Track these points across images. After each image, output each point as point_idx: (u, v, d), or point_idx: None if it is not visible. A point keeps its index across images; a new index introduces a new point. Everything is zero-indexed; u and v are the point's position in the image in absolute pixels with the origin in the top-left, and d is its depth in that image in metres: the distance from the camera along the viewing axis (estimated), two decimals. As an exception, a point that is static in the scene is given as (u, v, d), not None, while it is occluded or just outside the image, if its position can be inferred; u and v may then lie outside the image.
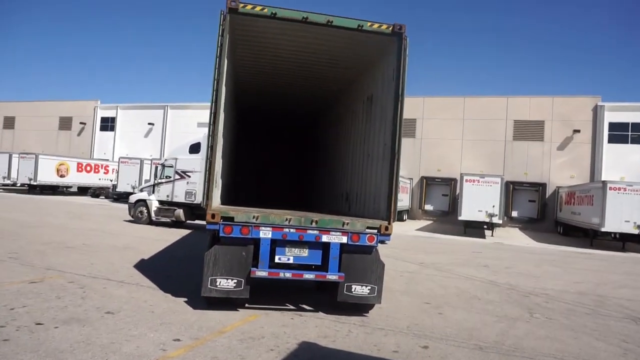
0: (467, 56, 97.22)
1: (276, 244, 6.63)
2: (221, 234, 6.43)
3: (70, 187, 38.94)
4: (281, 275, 6.56)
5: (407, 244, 19.53)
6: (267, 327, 6.16)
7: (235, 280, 6.45)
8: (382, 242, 7.03)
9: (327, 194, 11.85)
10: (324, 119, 13.26)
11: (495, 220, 25.39)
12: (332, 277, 6.66)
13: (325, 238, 6.66)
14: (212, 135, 6.52)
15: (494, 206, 25.29)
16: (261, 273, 6.50)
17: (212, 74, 6.62)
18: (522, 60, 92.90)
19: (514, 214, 35.94)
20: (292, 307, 7.35)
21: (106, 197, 36.66)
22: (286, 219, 6.60)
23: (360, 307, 7.16)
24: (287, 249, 6.65)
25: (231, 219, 6.49)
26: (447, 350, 5.77)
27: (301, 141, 15.59)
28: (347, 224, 6.76)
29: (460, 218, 25.92)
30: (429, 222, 35.39)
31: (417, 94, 38.27)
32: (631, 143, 34.05)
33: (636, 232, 22.57)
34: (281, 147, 15.88)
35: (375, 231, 6.84)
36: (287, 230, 6.57)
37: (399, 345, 5.82)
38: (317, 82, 10.41)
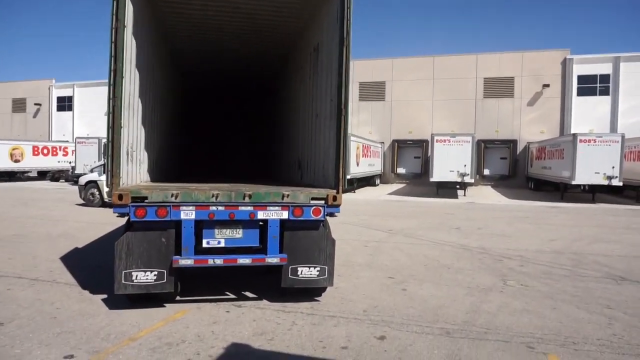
0: (435, 13, 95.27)
1: (203, 225, 5.49)
2: (133, 218, 5.25)
3: (29, 172, 36.75)
4: (210, 262, 5.45)
5: (377, 209, 18.67)
6: (193, 326, 5.08)
7: (156, 273, 5.32)
8: (331, 214, 5.96)
9: (284, 163, 10.69)
10: (275, 80, 11.95)
11: (467, 179, 24.71)
12: (272, 259, 5.59)
13: (261, 215, 5.54)
14: (112, 97, 5.25)
15: (465, 165, 24.56)
16: (186, 262, 5.38)
17: (110, 21, 5.29)
18: (491, 15, 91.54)
19: (486, 172, 35.52)
20: (232, 295, 6.29)
21: (66, 180, 34.72)
22: (213, 195, 5.44)
23: (311, 290, 6.14)
24: (216, 230, 5.51)
25: (144, 198, 5.31)
26: (407, 340, 4.80)
27: (257, 107, 14.24)
28: (287, 196, 5.64)
29: (432, 179, 25.16)
30: (401, 186, 34.72)
31: (386, 56, 36.96)
32: (599, 95, 33.61)
33: (605, 182, 22.22)
34: (237, 115, 14.50)
35: (322, 202, 5.75)
36: (214, 208, 5.42)
37: (350, 338, 4.82)
38: (263, 37, 9.08)
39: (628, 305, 6.20)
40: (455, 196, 25.18)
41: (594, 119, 32.99)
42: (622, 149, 22.17)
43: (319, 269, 5.77)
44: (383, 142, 36.69)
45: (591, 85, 33.72)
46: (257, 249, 5.70)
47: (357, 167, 28.14)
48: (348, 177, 25.95)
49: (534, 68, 34.21)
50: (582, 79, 33.80)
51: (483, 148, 34.76)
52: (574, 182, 22.68)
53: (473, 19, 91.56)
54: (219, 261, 5.47)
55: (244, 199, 5.52)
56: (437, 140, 25.01)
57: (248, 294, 6.39)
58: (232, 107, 14.06)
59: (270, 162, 12.74)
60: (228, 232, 5.55)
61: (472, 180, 25.30)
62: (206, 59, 10.42)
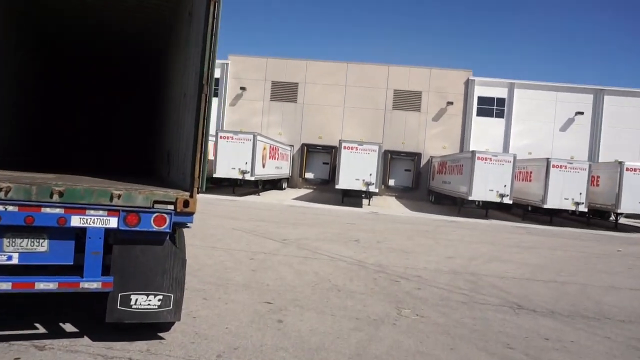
0: (350, 19, 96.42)
1: None
2: None
3: None
4: (-10, 287, 3.70)
5: (278, 215, 17.33)
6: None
7: None
8: (181, 225, 4.48)
9: (157, 154, 8.89)
10: (152, 51, 10.05)
11: (372, 189, 24.24)
12: (90, 285, 3.96)
13: (77, 220, 3.89)
14: None
15: (371, 174, 24.08)
16: None
17: None
18: (403, 29, 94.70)
19: (391, 182, 35.78)
20: (41, 330, 4.54)
21: None
22: (1, 189, 3.70)
23: (156, 324, 4.58)
24: (5, 240, 3.78)
25: None
26: (263, 409, 3.45)
27: (134, 86, 11.99)
28: (119, 196, 4.04)
29: (337, 186, 24.39)
30: (309, 191, 33.79)
31: (301, 57, 35.97)
32: (496, 117, 35.31)
33: (498, 200, 22.88)
34: (117, 95, 12.17)
35: (170, 208, 4.22)
36: (1, 208, 3.69)
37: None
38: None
39: (528, 343, 5.39)
40: (360, 205, 24.63)
41: (490, 139, 34.56)
42: (513, 169, 22.97)
43: (161, 297, 4.23)
44: (292, 145, 35.58)
45: (489, 107, 35.36)
46: (68, 268, 4.04)
47: (263, 168, 26.67)
48: (252, 178, 24.38)
49: (440, 85, 35.14)
50: (481, 100, 35.33)
51: (389, 159, 34.96)
52: (470, 198, 23.11)
53: (386, 28, 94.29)
54: (5, 285, 3.72)
55: (51, 197, 3.84)
56: (344, 147, 24.31)
57: (68, 326, 4.67)
58: (103, 86, 11.69)
59: (149, 153, 10.80)
60: (25, 244, 3.83)
61: (377, 190, 24.93)
62: (75, 27, 8.37)
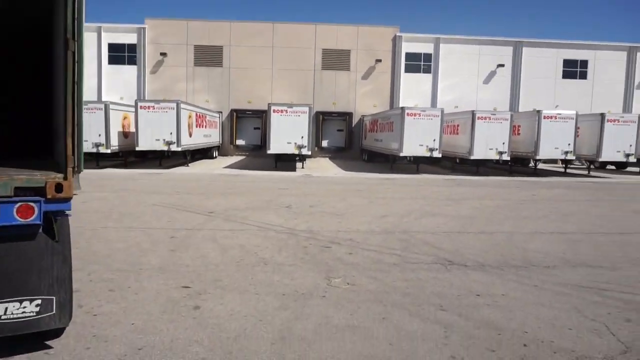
0: None
1: None
2: None
3: None
4: None
5: (206, 186, 16.45)
6: None
7: None
8: (57, 213, 3.73)
9: (49, 130, 7.78)
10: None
11: (304, 151, 23.75)
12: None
13: None
14: None
15: (302, 137, 23.53)
16: None
17: None
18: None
19: (324, 144, 35.52)
20: None
21: None
22: None
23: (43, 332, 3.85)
24: None
25: None
26: None
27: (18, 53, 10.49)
28: (-35, 186, 3.23)
29: (269, 152, 23.68)
30: (241, 158, 32.78)
31: (224, 18, 34.02)
32: (423, 72, 35.64)
33: (428, 154, 23.27)
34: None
35: (37, 197, 3.45)
36: None
37: None
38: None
39: (460, 302, 5.22)
40: (294, 169, 24.14)
41: (418, 95, 34.93)
42: (442, 123, 23.32)
43: (39, 302, 3.52)
44: (221, 112, 34.11)
45: (416, 63, 35.57)
46: None
47: (190, 138, 25.32)
48: (179, 148, 23.06)
49: (368, 43, 34.74)
50: (409, 56, 35.41)
51: (321, 120, 34.55)
52: (402, 154, 23.31)
53: None
54: None
55: None
56: (274, 111, 23.47)
57: None
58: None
59: (43, 129, 9.54)
60: None
61: (310, 153, 24.45)
62: None
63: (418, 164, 24.53)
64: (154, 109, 22.84)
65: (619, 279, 6.23)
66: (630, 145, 24.61)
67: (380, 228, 9.39)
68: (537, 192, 16.68)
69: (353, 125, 35.15)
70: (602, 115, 24.83)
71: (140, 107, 22.73)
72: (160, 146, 22.97)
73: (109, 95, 30.99)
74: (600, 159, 25.19)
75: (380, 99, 35.02)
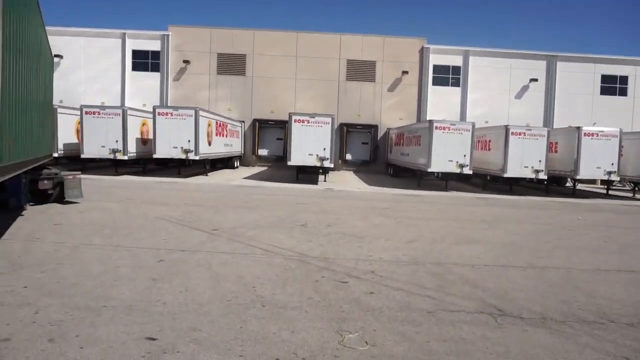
0: None
1: None
2: None
3: None
4: None
5: (220, 197, 15.19)
6: None
7: None
8: None
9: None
10: None
11: (327, 164, 22.35)
12: None
13: None
14: None
15: (325, 149, 22.16)
16: None
17: None
18: None
19: (348, 156, 34.02)
20: None
21: None
22: None
23: None
24: None
25: None
26: None
27: None
28: None
29: (290, 163, 22.36)
30: (263, 169, 31.62)
31: (248, 26, 33.15)
32: (452, 85, 33.94)
33: (458, 171, 21.56)
34: None
35: None
36: None
37: None
38: None
39: (526, 379, 3.65)
40: (315, 182, 22.76)
41: (446, 108, 33.21)
42: (472, 138, 21.62)
43: None
44: (243, 121, 33.11)
45: (445, 76, 33.93)
46: None
47: (209, 146, 24.26)
48: (196, 157, 21.98)
49: (394, 54, 33.31)
50: (437, 68, 33.82)
51: (345, 132, 33.15)
52: (429, 170, 21.65)
53: None
54: None
55: None
56: (295, 121, 22.20)
57: None
58: None
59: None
60: None
61: (332, 165, 23.05)
62: None
63: (447, 181, 22.82)
64: (172, 115, 21.87)
65: None
66: (681, 167, 22.31)
67: (408, 256, 7.85)
68: (581, 215, 14.79)
69: (378, 138, 33.63)
70: (649, 133, 22.65)
71: (158, 113, 21.80)
72: (178, 154, 21.95)
73: (132, 102, 30.36)
74: (647, 181, 22.95)
75: (407, 112, 33.43)
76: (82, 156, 21.74)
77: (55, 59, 31.79)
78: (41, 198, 11.25)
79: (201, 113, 22.47)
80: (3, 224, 8.76)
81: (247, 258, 7.22)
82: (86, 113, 21.48)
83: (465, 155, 21.37)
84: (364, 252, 8.06)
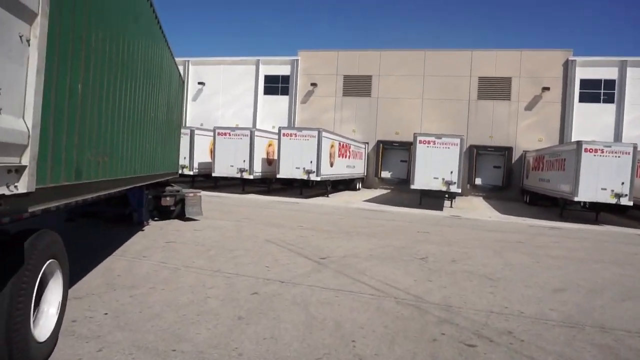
0: (427, 3, 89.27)
1: None
2: None
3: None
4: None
5: (336, 221, 14.35)
6: None
7: None
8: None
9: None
10: None
11: (453, 188, 20.33)
12: None
13: None
14: None
15: (452, 172, 20.20)
16: None
17: None
18: (487, 10, 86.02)
19: (478, 181, 31.15)
20: None
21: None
22: None
23: None
24: None
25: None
26: None
27: None
28: None
29: (413, 187, 20.81)
30: (385, 192, 30.39)
31: (373, 47, 32.67)
32: (603, 102, 29.24)
33: (614, 201, 17.91)
34: None
35: None
36: None
37: None
38: None
39: None
40: (440, 208, 20.84)
41: (596, 128, 28.59)
42: (634, 162, 17.86)
43: None
44: (367, 143, 32.39)
45: (595, 91, 29.38)
46: None
47: (331, 167, 23.87)
48: (318, 178, 21.65)
49: (533, 69, 29.85)
50: (585, 83, 29.46)
51: (475, 154, 30.44)
52: (576, 199, 18.35)
53: (468, 11, 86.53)
54: None
55: None
56: (420, 141, 20.67)
57: None
58: None
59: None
60: None
61: (460, 190, 20.94)
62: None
63: (597, 212, 19.18)
64: (295, 136, 21.94)
65: None
66: None
67: (558, 313, 5.96)
68: None
69: (513, 161, 30.22)
70: None
71: (283, 134, 22.03)
72: (300, 175, 21.86)
73: (263, 124, 31.61)
74: None
75: (547, 133, 29.56)
76: (213, 174, 22.83)
77: (199, 86, 34.77)
78: (164, 214, 11.50)
79: (324, 134, 22.20)
80: (122, 239, 8.88)
81: (353, 298, 6.07)
82: (218, 134, 22.60)
83: (623, 183, 17.72)
84: (497, 301, 6.37)
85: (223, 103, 34.41)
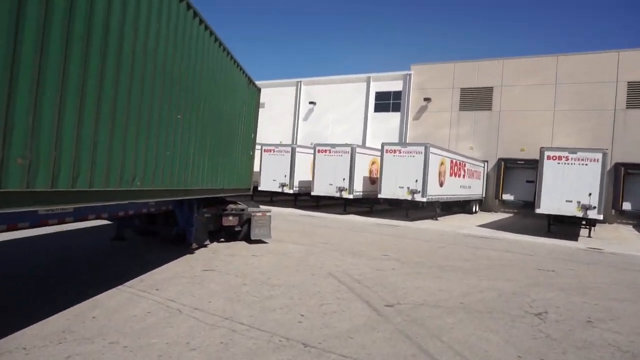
0: (558, 3, 78.26)
1: None
2: None
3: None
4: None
5: (433, 250, 11.65)
6: None
7: None
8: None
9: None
10: None
11: (592, 214, 15.98)
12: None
13: None
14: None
15: (590, 194, 15.94)
16: None
17: None
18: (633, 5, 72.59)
19: (626, 206, 25.05)
20: None
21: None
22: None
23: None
24: None
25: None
26: None
27: None
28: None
29: (538, 211, 16.89)
30: (506, 216, 26.09)
31: (494, 56, 28.76)
32: None
33: None
34: None
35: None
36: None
37: None
38: None
39: None
40: (575, 238, 16.61)
41: None
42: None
43: None
44: (487, 161, 28.39)
45: None
46: None
47: (441, 187, 20.85)
48: (424, 199, 18.90)
49: None
50: None
51: (623, 174, 24.56)
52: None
53: (608, 9, 74.00)
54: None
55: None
56: (548, 157, 16.78)
57: None
58: None
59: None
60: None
61: (602, 217, 16.39)
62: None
63: None
64: (400, 153, 19.52)
65: None
66: None
67: None
68: None
69: (677, 183, 23.71)
70: None
71: (386, 150, 19.78)
72: (404, 195, 19.31)
73: (373, 142, 29.69)
74: None
75: None
76: (312, 194, 21.44)
77: (310, 106, 34.25)
78: (230, 235, 10.13)
79: (432, 150, 19.42)
80: (159, 263, 7.57)
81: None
82: (318, 152, 21.22)
83: None
84: None
85: (332, 121, 33.34)
